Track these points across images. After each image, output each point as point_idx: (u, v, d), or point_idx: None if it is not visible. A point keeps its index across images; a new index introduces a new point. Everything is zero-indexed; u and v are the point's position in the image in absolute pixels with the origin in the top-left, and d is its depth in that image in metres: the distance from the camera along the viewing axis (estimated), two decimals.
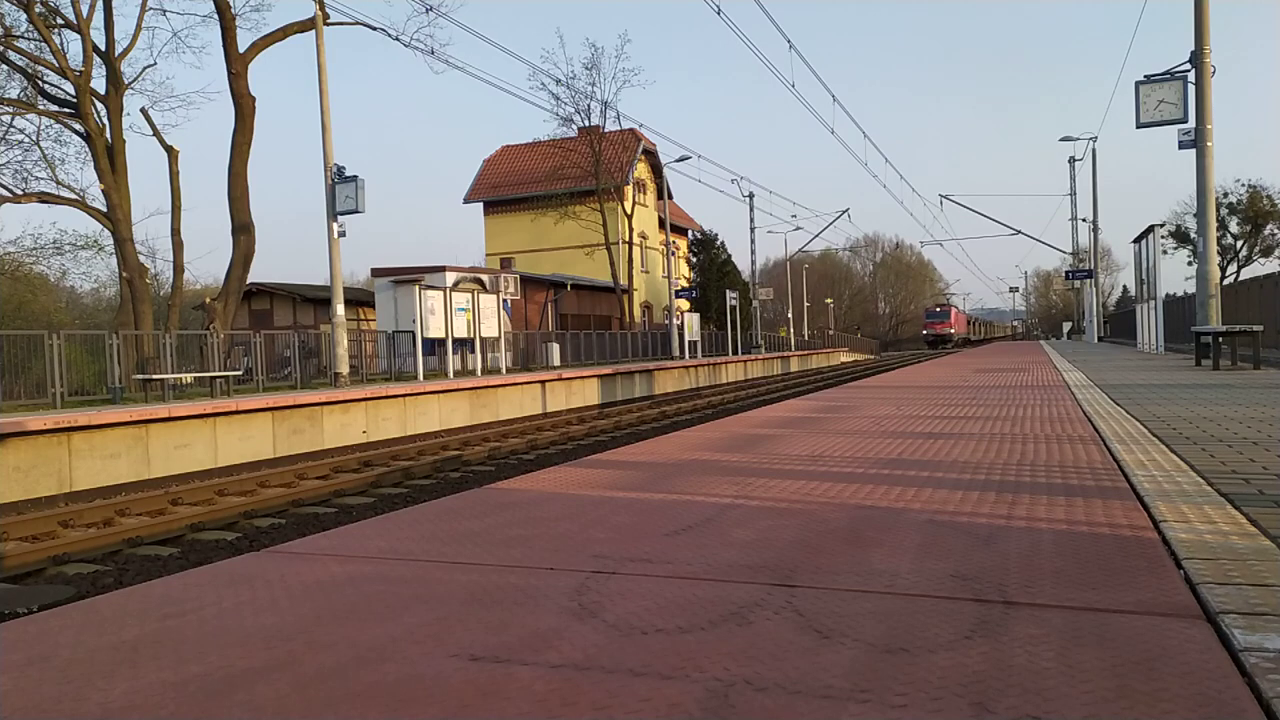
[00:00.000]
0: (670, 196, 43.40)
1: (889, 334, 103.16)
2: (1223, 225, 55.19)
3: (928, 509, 2.82)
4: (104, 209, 21.29)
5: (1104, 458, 3.83)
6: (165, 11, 37.36)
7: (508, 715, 1.36)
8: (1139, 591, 1.87)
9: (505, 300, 25.96)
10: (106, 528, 8.11)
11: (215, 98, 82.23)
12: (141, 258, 22.40)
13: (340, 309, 18.15)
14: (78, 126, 21.45)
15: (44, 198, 22.02)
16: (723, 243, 54.63)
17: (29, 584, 6.59)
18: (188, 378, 16.48)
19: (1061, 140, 43.08)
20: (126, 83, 22.28)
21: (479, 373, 22.06)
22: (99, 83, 21.51)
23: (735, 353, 39.56)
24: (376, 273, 24.70)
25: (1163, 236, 30.23)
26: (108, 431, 10.91)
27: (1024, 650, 1.55)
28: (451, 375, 20.94)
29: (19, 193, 22.14)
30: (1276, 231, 57.43)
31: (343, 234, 18.09)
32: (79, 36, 21.22)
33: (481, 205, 48.51)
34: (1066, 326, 65.19)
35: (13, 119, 22.75)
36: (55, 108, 21.94)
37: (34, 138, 23.32)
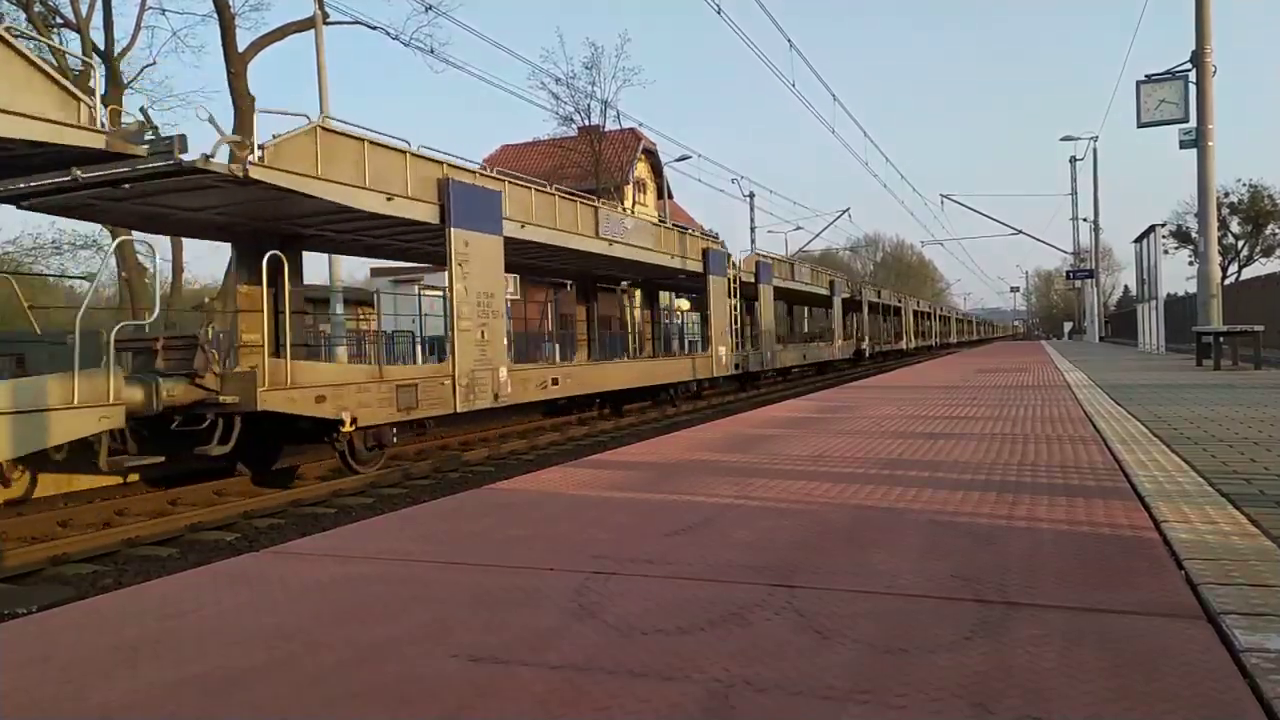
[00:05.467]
0: (670, 196, 43.37)
1: None
2: (1224, 225, 55.16)
3: (928, 509, 2.82)
4: None
5: (1105, 458, 3.83)
6: (164, 11, 37.46)
7: (508, 715, 1.36)
8: (1140, 592, 1.87)
9: (505, 300, 26.00)
10: (106, 528, 8.10)
11: (215, 97, 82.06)
12: (141, 258, 22.40)
13: (340, 308, 18.16)
14: None
15: None
16: (723, 242, 54.56)
17: (29, 584, 6.59)
18: None
19: (1062, 140, 42.95)
20: (126, 82, 22.30)
21: None
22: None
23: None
24: (376, 272, 24.70)
25: (1164, 236, 30.23)
26: None
27: (1025, 651, 1.55)
28: None
29: None
30: (1278, 231, 57.41)
31: None
32: (78, 36, 21.23)
33: None
34: (1067, 326, 65.11)
35: None
36: None
37: None
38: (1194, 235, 43.12)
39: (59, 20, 22.05)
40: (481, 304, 11.52)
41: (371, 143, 9.91)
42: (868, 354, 34.95)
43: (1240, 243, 58.30)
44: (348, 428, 9.40)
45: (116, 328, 7.87)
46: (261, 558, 2.53)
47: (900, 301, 45.17)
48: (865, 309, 36.23)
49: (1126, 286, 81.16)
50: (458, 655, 1.63)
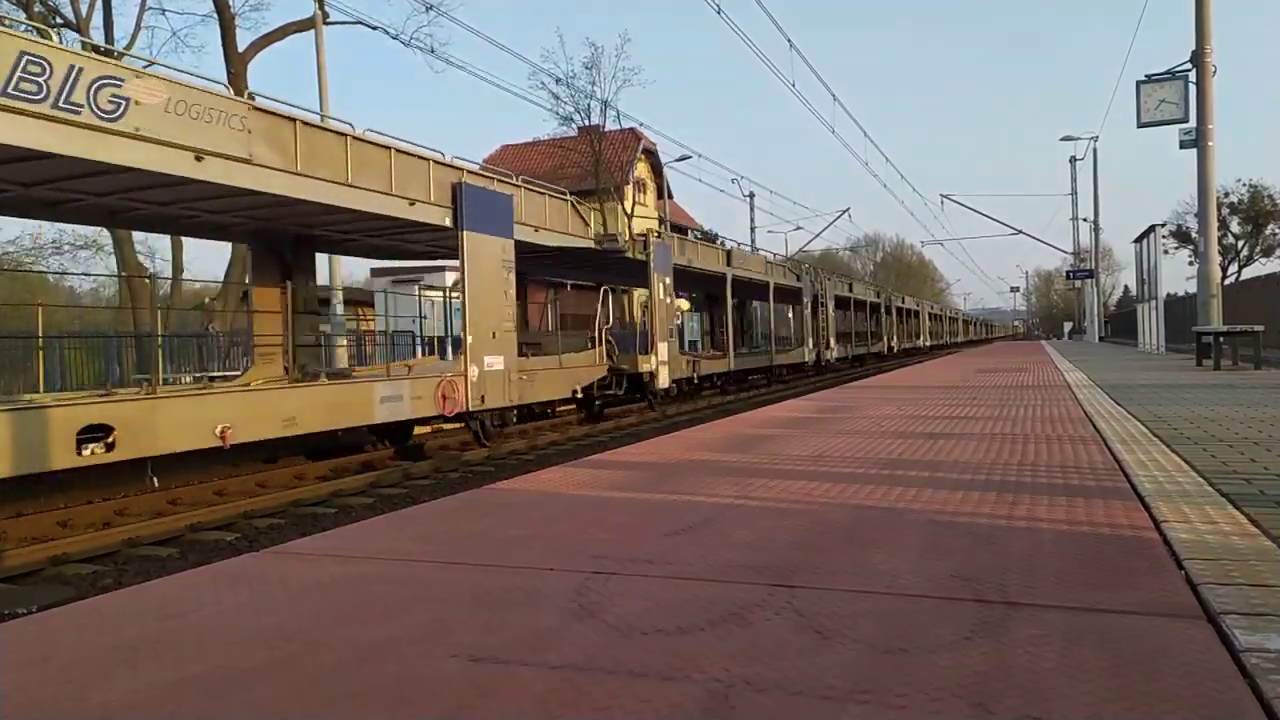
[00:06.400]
0: (671, 196, 43.36)
1: None
2: (1224, 225, 55.09)
3: (928, 509, 2.82)
4: None
5: (1105, 458, 3.83)
6: (165, 11, 37.51)
7: (508, 715, 1.36)
8: (1140, 592, 1.87)
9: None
10: (106, 528, 8.11)
11: None
12: (140, 258, 22.40)
13: (340, 308, 18.15)
14: None
15: None
16: (723, 242, 54.53)
17: (29, 584, 6.58)
18: (187, 378, 16.49)
19: (1062, 140, 43.02)
20: None
21: None
22: None
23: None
24: (376, 273, 24.68)
25: (1164, 236, 30.19)
26: None
27: (1025, 651, 1.55)
28: None
29: None
30: (1278, 231, 57.35)
31: None
32: (78, 35, 21.22)
33: None
34: (1067, 326, 65.08)
35: None
36: None
37: None
38: (1194, 235, 43.08)
39: (59, 20, 22.03)
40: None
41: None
42: (651, 385, 17.21)
43: (1240, 243, 58.25)
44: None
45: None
46: (261, 558, 2.53)
47: (803, 279, 26.16)
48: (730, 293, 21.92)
49: (1126, 286, 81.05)
50: (458, 655, 1.63)
